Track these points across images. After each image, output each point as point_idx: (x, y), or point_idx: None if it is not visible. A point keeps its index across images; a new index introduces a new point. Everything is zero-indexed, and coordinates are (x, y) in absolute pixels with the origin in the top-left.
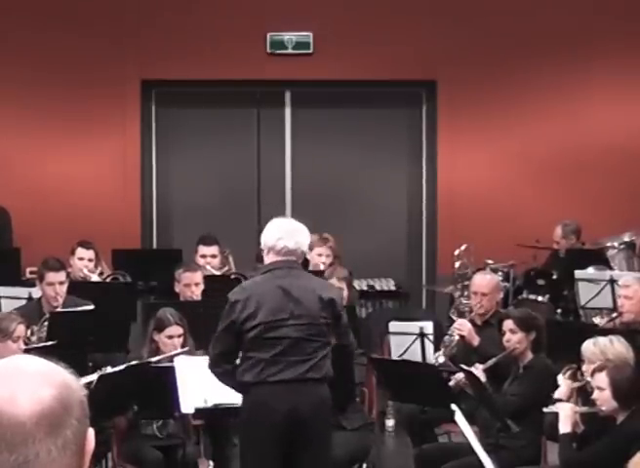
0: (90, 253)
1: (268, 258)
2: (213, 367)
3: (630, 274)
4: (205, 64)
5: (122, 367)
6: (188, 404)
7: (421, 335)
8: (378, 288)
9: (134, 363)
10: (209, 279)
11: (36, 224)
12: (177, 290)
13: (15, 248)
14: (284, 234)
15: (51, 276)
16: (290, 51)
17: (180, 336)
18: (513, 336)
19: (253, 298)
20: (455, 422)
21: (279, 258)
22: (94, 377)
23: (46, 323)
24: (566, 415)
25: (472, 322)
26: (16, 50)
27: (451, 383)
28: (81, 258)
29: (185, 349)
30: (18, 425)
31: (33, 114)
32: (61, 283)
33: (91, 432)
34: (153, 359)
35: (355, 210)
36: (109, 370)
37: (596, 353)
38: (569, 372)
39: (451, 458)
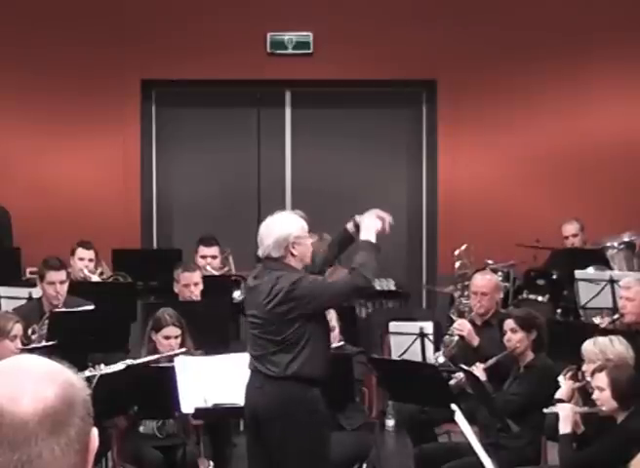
0: (90, 254)
1: None
2: None
3: (631, 274)
4: (205, 64)
5: (119, 365)
6: (188, 404)
7: (421, 335)
8: (378, 288)
9: (128, 361)
10: (208, 279)
11: (36, 224)
12: (176, 290)
13: (15, 247)
14: (259, 239)
15: (51, 275)
16: (290, 51)
17: (177, 337)
18: (514, 336)
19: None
20: (455, 422)
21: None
22: (89, 373)
23: (47, 322)
24: (566, 416)
25: (472, 322)
26: (16, 50)
27: (451, 383)
28: (81, 259)
29: (183, 350)
30: (21, 424)
31: (34, 114)
32: (62, 282)
33: (94, 431)
34: (150, 358)
35: (355, 210)
36: (103, 368)
37: (596, 352)
38: (569, 373)
39: (451, 458)
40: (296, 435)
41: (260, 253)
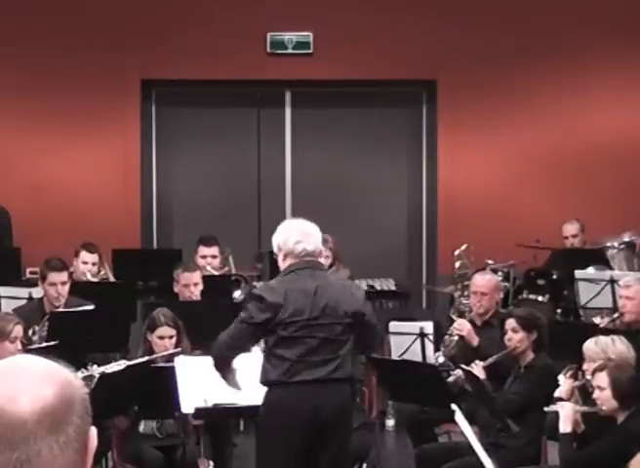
0: (94, 258)
1: (286, 262)
2: (224, 350)
3: (631, 274)
4: (205, 64)
5: (113, 366)
6: (188, 404)
7: (421, 335)
8: (378, 288)
9: (122, 362)
10: (208, 279)
11: (36, 224)
12: (176, 290)
13: (15, 248)
14: (302, 237)
15: (53, 276)
16: (290, 51)
17: (171, 338)
18: (515, 336)
19: (285, 298)
20: (455, 422)
21: (299, 260)
22: (82, 375)
23: (47, 322)
24: (566, 415)
25: (472, 322)
26: (16, 51)
27: (450, 379)
28: (85, 263)
29: (177, 350)
30: (19, 424)
31: (34, 115)
32: (64, 283)
33: (93, 430)
34: (144, 359)
35: (355, 210)
36: (96, 368)
37: (597, 352)
38: (570, 372)
39: (451, 458)
40: (349, 436)
41: (312, 246)
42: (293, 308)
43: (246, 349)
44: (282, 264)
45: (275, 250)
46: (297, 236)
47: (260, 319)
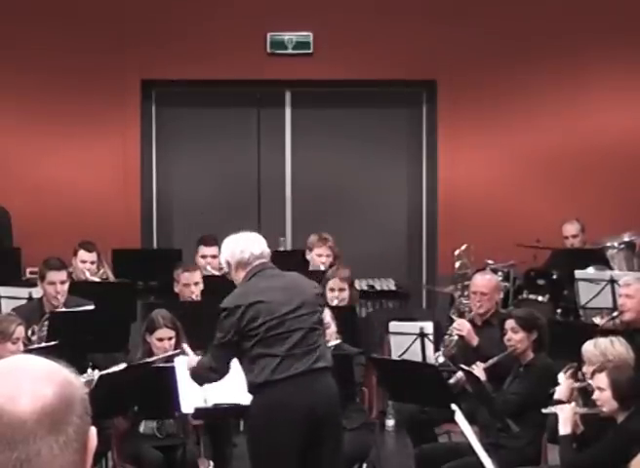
0: (92, 256)
1: (239, 273)
2: (209, 374)
3: (631, 274)
4: (205, 64)
5: (114, 369)
6: (188, 404)
7: (421, 335)
8: (378, 288)
9: (122, 365)
10: (209, 279)
11: (36, 224)
12: (176, 290)
13: (15, 248)
14: (245, 245)
15: (52, 275)
16: (290, 51)
17: (170, 339)
18: (515, 336)
19: (252, 300)
20: (455, 422)
21: (252, 267)
22: (84, 379)
23: (46, 322)
24: (566, 417)
25: (472, 322)
26: (16, 51)
27: (451, 381)
28: (83, 261)
29: (177, 352)
30: (19, 423)
31: (34, 115)
32: (63, 282)
33: (93, 430)
34: (142, 361)
35: (355, 210)
36: (97, 373)
37: (597, 354)
38: (570, 371)
39: (451, 458)
40: (342, 426)
41: (257, 249)
42: (269, 307)
43: (228, 369)
44: (237, 277)
45: (225, 267)
46: (240, 245)
47: (232, 336)
